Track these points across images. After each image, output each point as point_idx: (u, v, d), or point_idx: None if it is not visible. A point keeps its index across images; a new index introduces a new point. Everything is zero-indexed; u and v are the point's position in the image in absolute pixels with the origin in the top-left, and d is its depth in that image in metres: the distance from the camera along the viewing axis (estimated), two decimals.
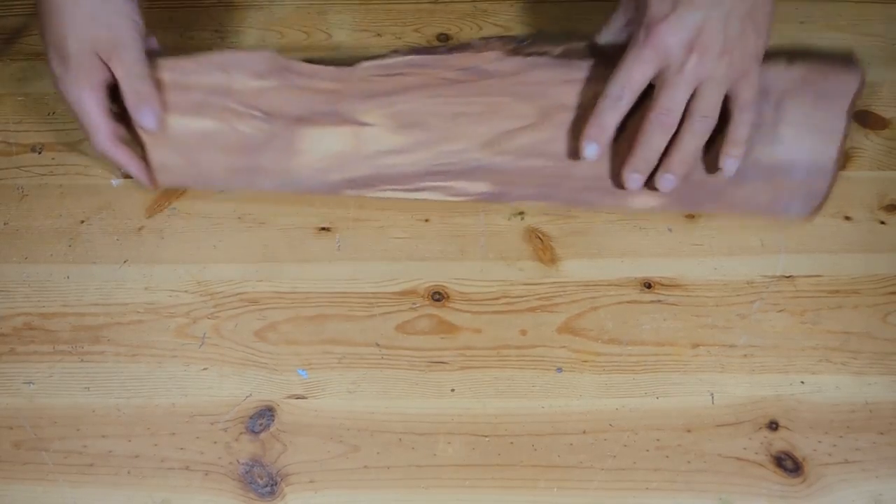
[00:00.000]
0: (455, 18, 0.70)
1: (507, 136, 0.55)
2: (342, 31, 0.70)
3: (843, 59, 0.54)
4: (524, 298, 0.54)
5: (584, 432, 0.49)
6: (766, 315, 0.53)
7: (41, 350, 0.52)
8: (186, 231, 0.58)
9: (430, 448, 0.49)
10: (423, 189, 0.56)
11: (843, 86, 0.53)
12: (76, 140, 0.62)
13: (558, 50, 0.54)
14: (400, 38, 0.69)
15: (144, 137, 0.54)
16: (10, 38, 0.67)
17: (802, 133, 0.54)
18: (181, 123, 0.54)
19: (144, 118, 0.52)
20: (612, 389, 0.51)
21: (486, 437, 0.49)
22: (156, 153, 0.55)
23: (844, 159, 0.59)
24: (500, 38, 0.55)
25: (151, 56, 0.54)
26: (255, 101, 0.54)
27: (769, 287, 0.55)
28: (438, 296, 0.55)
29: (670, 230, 0.57)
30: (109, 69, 0.52)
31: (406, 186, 0.56)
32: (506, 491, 0.47)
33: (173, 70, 0.54)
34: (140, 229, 0.58)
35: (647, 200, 0.56)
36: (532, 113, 0.55)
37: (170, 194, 0.59)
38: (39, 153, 0.62)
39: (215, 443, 0.49)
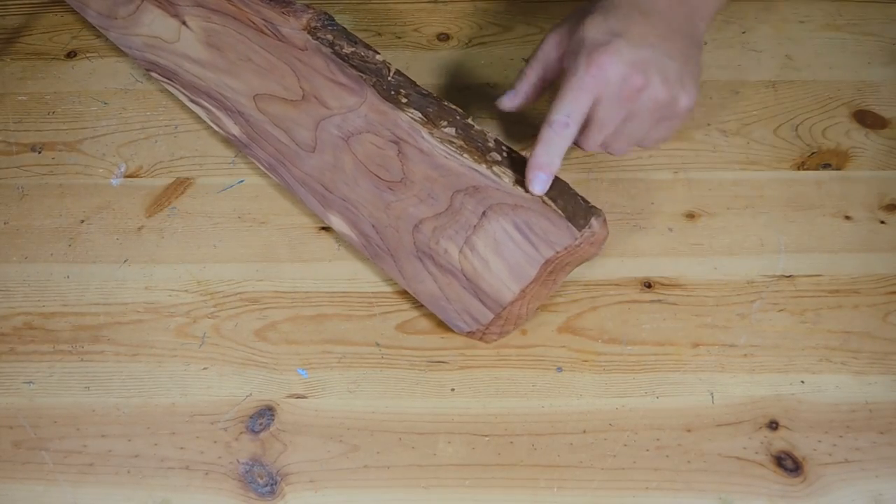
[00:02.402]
0: (455, 18, 0.70)
1: (270, 98, 0.58)
2: None
3: (582, 213, 0.49)
4: None
5: (584, 432, 0.49)
6: (767, 315, 0.53)
7: (41, 350, 0.52)
8: (186, 231, 0.58)
9: (430, 448, 0.49)
10: (199, 105, 0.61)
11: (553, 236, 0.48)
12: (76, 140, 0.62)
13: (349, 49, 0.57)
14: (400, 37, 0.69)
15: None
16: (10, 37, 0.67)
17: (491, 254, 0.49)
18: None
19: None
20: (612, 389, 0.51)
21: (485, 436, 0.49)
22: None
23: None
24: (317, 12, 0.59)
25: None
26: None
27: (769, 287, 0.55)
28: None
29: (670, 230, 0.57)
30: None
31: (189, 94, 0.61)
32: (506, 490, 0.47)
33: None
34: (140, 229, 0.58)
35: (343, 226, 0.54)
36: (295, 90, 0.58)
37: (170, 194, 0.59)
38: (39, 153, 0.62)
39: (215, 442, 0.49)
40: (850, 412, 0.50)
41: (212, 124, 0.60)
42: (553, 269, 0.50)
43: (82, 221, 0.58)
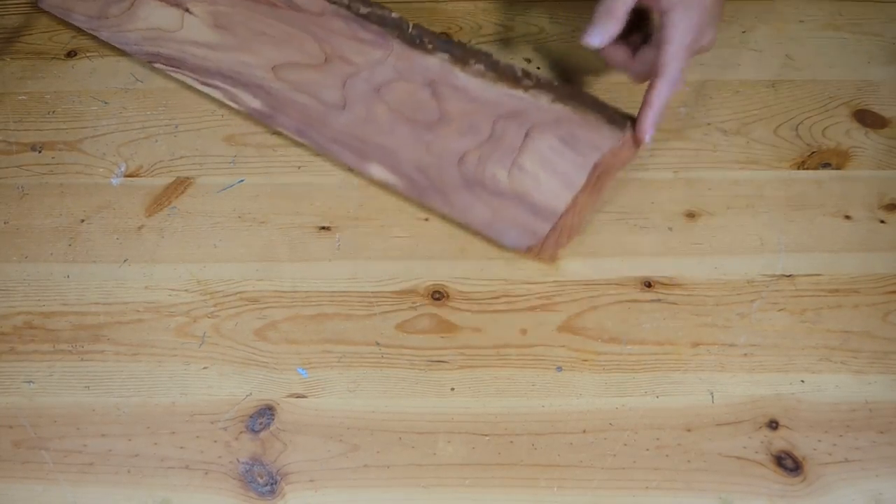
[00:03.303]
0: (455, 17, 0.70)
1: (290, 67, 0.60)
2: None
3: (619, 119, 0.55)
4: (524, 297, 0.54)
5: (584, 431, 0.49)
6: (766, 314, 0.54)
7: (41, 349, 0.52)
8: (186, 230, 0.58)
9: (429, 447, 0.49)
10: (212, 86, 0.61)
11: (597, 140, 0.53)
12: (76, 139, 0.62)
13: (366, 10, 0.59)
14: None
15: None
16: (10, 37, 0.67)
17: (539, 169, 0.54)
18: None
19: None
20: (611, 388, 0.51)
21: (485, 436, 0.49)
22: None
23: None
24: None
25: None
26: None
27: (769, 286, 0.55)
28: (438, 295, 0.55)
29: (670, 229, 0.57)
30: None
31: (200, 77, 0.61)
32: (506, 490, 0.47)
33: None
34: (140, 228, 0.58)
35: (385, 175, 0.57)
36: (318, 55, 0.59)
37: (170, 193, 0.59)
38: (39, 152, 0.62)
39: (215, 442, 0.49)
40: (850, 412, 0.50)
41: (229, 102, 0.61)
42: (599, 175, 0.54)
43: (82, 221, 0.58)
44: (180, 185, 0.60)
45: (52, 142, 0.62)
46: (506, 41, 0.68)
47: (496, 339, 0.53)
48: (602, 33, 0.54)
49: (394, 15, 0.60)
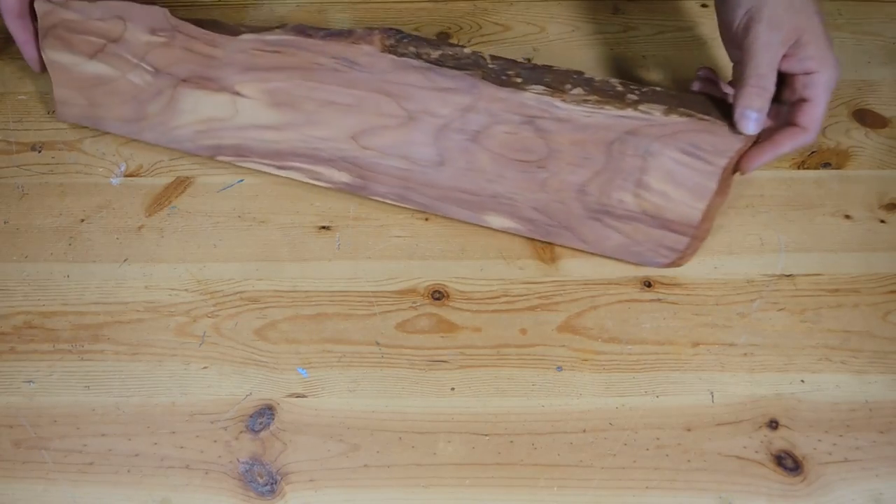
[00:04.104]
0: (455, 17, 0.70)
1: (372, 132, 0.55)
2: None
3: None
4: (524, 297, 0.54)
5: (584, 431, 0.49)
6: (767, 314, 0.54)
7: (41, 349, 0.52)
8: (186, 230, 0.58)
9: (429, 447, 0.49)
10: (289, 168, 0.58)
11: (721, 145, 0.50)
12: (76, 139, 0.62)
13: (435, 54, 0.53)
14: None
15: (51, 71, 0.59)
16: (11, 37, 0.67)
17: (667, 185, 0.52)
18: (83, 64, 0.58)
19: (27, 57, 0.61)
20: (612, 388, 0.51)
21: (485, 435, 0.49)
22: (59, 89, 0.60)
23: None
24: (384, 30, 0.54)
25: None
26: (146, 54, 0.57)
27: (769, 286, 0.55)
28: (438, 294, 0.55)
29: None
30: None
31: (273, 162, 0.58)
32: (506, 490, 0.47)
33: (77, 10, 0.56)
34: (140, 228, 0.58)
35: (504, 222, 0.55)
36: (400, 114, 0.54)
37: (170, 193, 0.59)
38: (39, 152, 0.62)
39: (215, 441, 0.49)
40: (850, 411, 0.50)
41: (313, 181, 0.57)
42: (724, 177, 0.51)
43: (82, 220, 0.58)
44: (180, 185, 0.60)
45: (52, 142, 0.62)
46: (506, 41, 0.68)
47: (496, 339, 0.53)
48: (762, 120, 0.50)
49: (467, 50, 0.53)
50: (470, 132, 0.53)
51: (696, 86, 0.55)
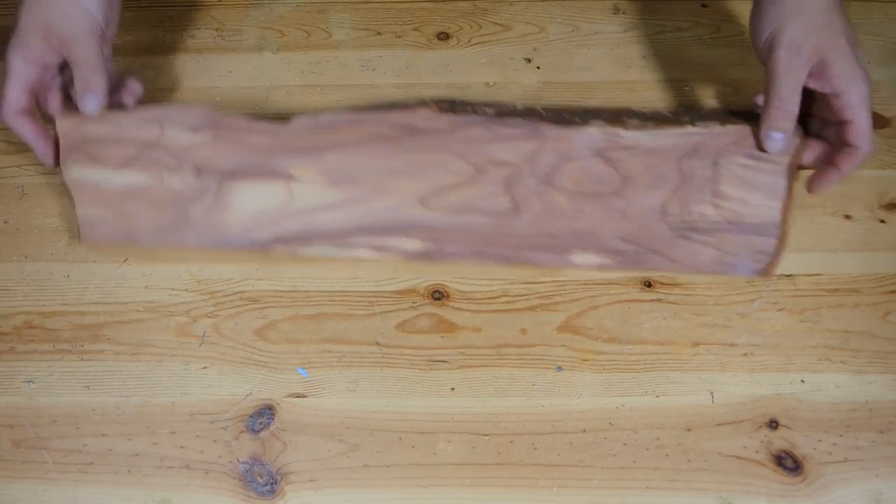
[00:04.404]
0: (455, 17, 0.70)
1: (442, 192, 0.54)
2: (342, 30, 0.70)
3: None
4: (524, 297, 0.54)
5: (584, 431, 0.49)
6: (766, 314, 0.54)
7: (41, 349, 0.52)
8: None
9: (429, 447, 0.49)
10: (355, 245, 0.55)
11: None
12: None
13: (491, 110, 0.53)
14: (400, 36, 0.69)
15: (73, 191, 0.54)
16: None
17: (741, 191, 0.53)
18: (113, 176, 0.54)
19: (87, 103, 0.52)
20: (612, 388, 0.51)
21: (485, 435, 0.49)
22: (84, 209, 0.55)
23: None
24: (437, 100, 0.53)
25: (129, 93, 0.55)
26: (188, 155, 0.53)
27: (769, 286, 0.55)
28: (439, 294, 0.55)
29: None
30: (60, 55, 0.53)
31: (337, 242, 0.55)
32: (505, 490, 0.47)
33: (108, 123, 0.53)
34: None
35: (591, 259, 0.55)
36: (466, 169, 0.53)
37: None
38: None
39: (215, 441, 0.49)
40: (850, 411, 0.50)
41: (380, 257, 0.55)
42: (791, 174, 0.53)
43: None
44: None
45: None
46: (506, 41, 0.68)
47: (496, 339, 0.53)
48: (787, 139, 0.51)
49: (519, 106, 0.54)
50: (541, 175, 0.53)
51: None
